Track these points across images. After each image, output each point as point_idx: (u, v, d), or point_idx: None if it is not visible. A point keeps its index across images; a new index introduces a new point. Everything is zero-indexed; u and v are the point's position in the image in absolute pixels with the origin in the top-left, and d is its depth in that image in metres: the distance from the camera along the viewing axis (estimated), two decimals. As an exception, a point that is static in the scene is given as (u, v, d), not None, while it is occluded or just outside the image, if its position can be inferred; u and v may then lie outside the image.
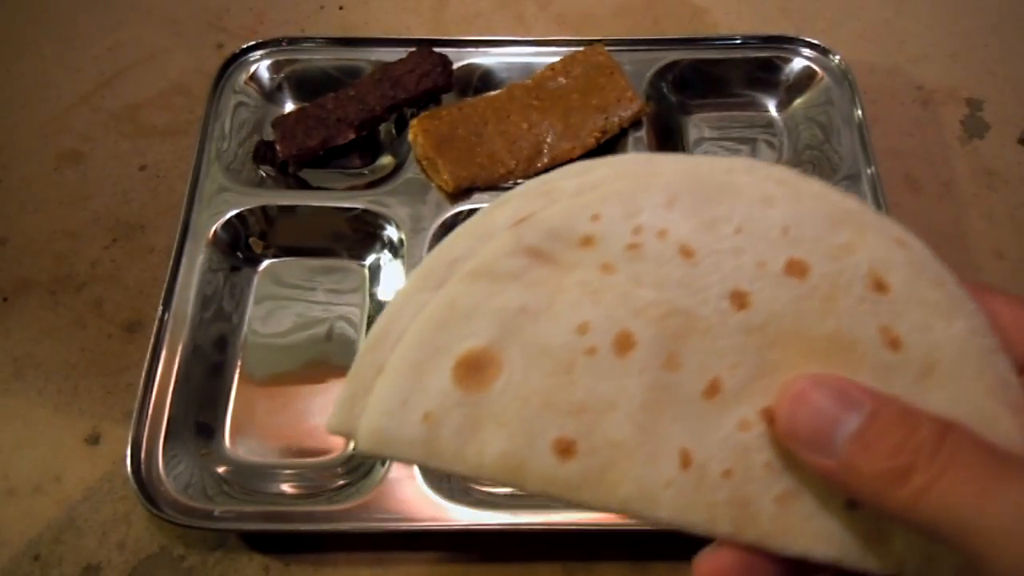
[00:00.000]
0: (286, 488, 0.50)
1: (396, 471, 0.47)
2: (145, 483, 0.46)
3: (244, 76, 0.64)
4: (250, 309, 0.57)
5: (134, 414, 0.48)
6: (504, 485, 0.21)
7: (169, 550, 0.49)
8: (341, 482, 0.49)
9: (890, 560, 0.20)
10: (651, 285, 0.20)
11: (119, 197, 0.63)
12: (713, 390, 0.20)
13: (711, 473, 0.20)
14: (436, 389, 0.20)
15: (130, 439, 0.47)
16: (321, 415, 0.52)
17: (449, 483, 0.48)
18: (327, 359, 0.55)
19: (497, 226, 0.21)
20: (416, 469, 0.47)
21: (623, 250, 0.20)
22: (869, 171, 0.58)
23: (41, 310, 0.58)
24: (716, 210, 0.21)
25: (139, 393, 0.49)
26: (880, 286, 0.20)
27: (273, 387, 0.54)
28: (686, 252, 0.20)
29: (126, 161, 0.65)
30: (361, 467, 0.50)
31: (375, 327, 0.21)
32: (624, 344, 0.20)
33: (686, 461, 0.20)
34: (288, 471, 0.51)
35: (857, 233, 0.21)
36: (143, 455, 0.47)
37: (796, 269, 0.20)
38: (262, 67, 0.65)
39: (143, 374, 0.49)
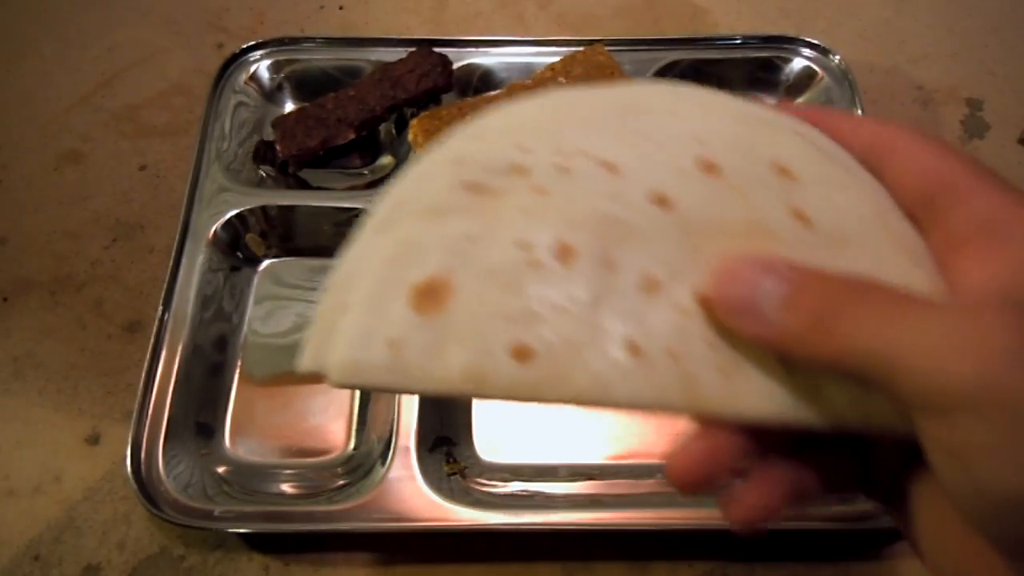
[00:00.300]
0: (286, 488, 0.50)
1: (396, 471, 0.47)
2: (145, 483, 0.46)
3: (244, 76, 0.64)
4: (250, 309, 0.57)
5: (134, 414, 0.48)
6: (472, 396, 0.22)
7: (169, 550, 0.49)
8: (341, 482, 0.49)
9: (830, 413, 0.22)
10: (582, 200, 0.22)
11: (119, 197, 0.63)
12: (650, 284, 0.22)
13: (658, 356, 0.21)
14: (397, 317, 0.21)
15: (130, 439, 0.47)
16: (321, 415, 0.52)
17: (449, 483, 0.48)
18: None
19: (436, 169, 0.23)
20: (416, 469, 0.47)
21: (552, 173, 0.22)
22: (869, 171, 0.58)
23: (41, 310, 0.58)
24: (633, 127, 0.23)
25: (139, 393, 0.49)
26: (784, 172, 0.23)
27: (273, 387, 0.54)
28: (610, 167, 0.22)
29: (126, 161, 0.65)
30: (361, 467, 0.50)
31: (335, 273, 0.22)
32: (565, 254, 0.22)
33: (634, 349, 0.21)
34: (288, 471, 0.51)
35: (759, 130, 0.23)
36: (143, 455, 0.47)
37: (709, 168, 0.23)
38: (262, 67, 0.65)
39: (143, 374, 0.49)
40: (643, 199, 0.22)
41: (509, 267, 0.21)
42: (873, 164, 0.24)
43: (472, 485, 0.49)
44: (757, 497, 0.23)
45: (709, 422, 0.23)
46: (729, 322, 0.21)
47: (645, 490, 0.49)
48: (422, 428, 0.48)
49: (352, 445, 0.51)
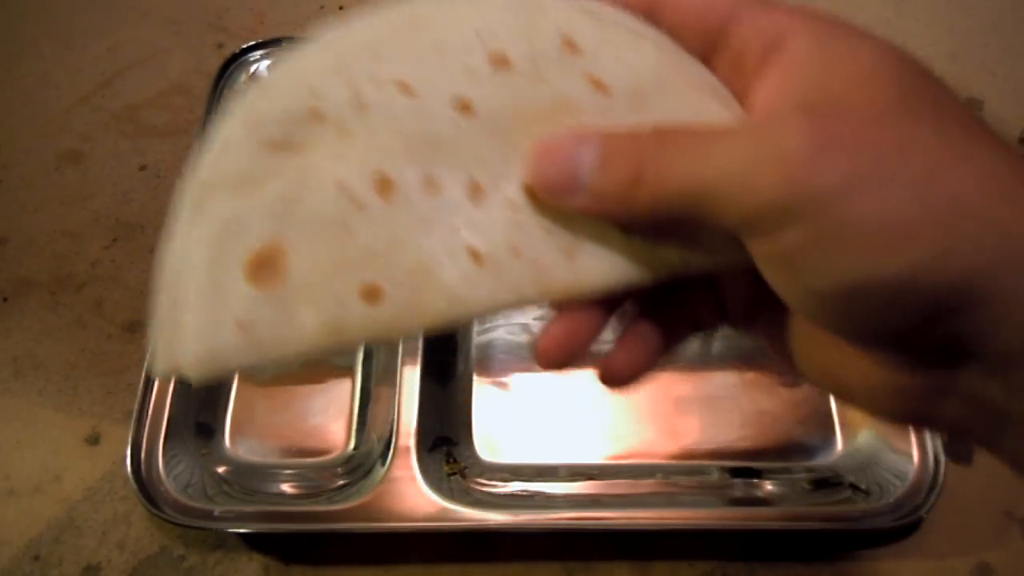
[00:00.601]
0: (286, 488, 0.50)
1: (396, 471, 0.47)
2: (145, 483, 0.46)
3: (244, 76, 0.64)
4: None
5: (134, 414, 0.48)
6: (335, 350, 0.22)
7: (169, 550, 0.49)
8: (341, 482, 0.49)
9: (667, 265, 0.23)
10: (386, 128, 0.22)
11: (119, 197, 0.63)
12: (475, 190, 0.22)
13: (501, 256, 0.22)
14: (237, 297, 0.21)
15: (130, 439, 0.47)
16: (321, 415, 0.52)
17: (449, 483, 0.48)
18: (327, 359, 0.55)
19: (233, 135, 0.22)
20: (416, 469, 0.47)
21: (349, 111, 0.22)
22: (869, 171, 0.58)
23: (41, 310, 0.58)
24: (416, 45, 0.23)
25: (139, 393, 0.49)
26: (573, 46, 0.23)
27: (273, 387, 0.54)
28: (403, 87, 0.22)
29: (126, 161, 0.65)
30: (361, 467, 0.50)
31: (162, 270, 0.22)
32: (384, 187, 0.22)
33: (477, 256, 0.22)
34: (288, 471, 0.51)
35: (540, 13, 0.23)
36: (143, 455, 0.47)
37: (500, 61, 0.22)
38: (262, 67, 0.65)
39: (143, 374, 0.49)
40: (446, 110, 0.22)
41: (334, 215, 0.21)
42: (654, 18, 0.24)
43: (472, 485, 0.49)
44: (626, 356, 0.25)
45: (563, 304, 0.23)
46: (554, 201, 0.22)
47: (645, 490, 0.49)
48: (422, 428, 0.48)
49: (352, 445, 0.52)
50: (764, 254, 0.19)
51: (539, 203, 0.22)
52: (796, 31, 0.20)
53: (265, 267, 0.21)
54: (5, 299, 0.58)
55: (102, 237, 0.61)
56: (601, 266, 0.22)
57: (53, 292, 0.58)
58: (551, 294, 0.22)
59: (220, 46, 0.72)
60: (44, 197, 0.63)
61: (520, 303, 0.22)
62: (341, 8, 0.74)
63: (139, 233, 0.61)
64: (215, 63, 0.64)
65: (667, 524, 0.46)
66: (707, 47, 0.23)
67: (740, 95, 0.23)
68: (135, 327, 0.56)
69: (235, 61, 0.65)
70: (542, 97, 0.22)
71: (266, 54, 0.65)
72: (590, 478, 0.50)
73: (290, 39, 0.66)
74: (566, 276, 0.22)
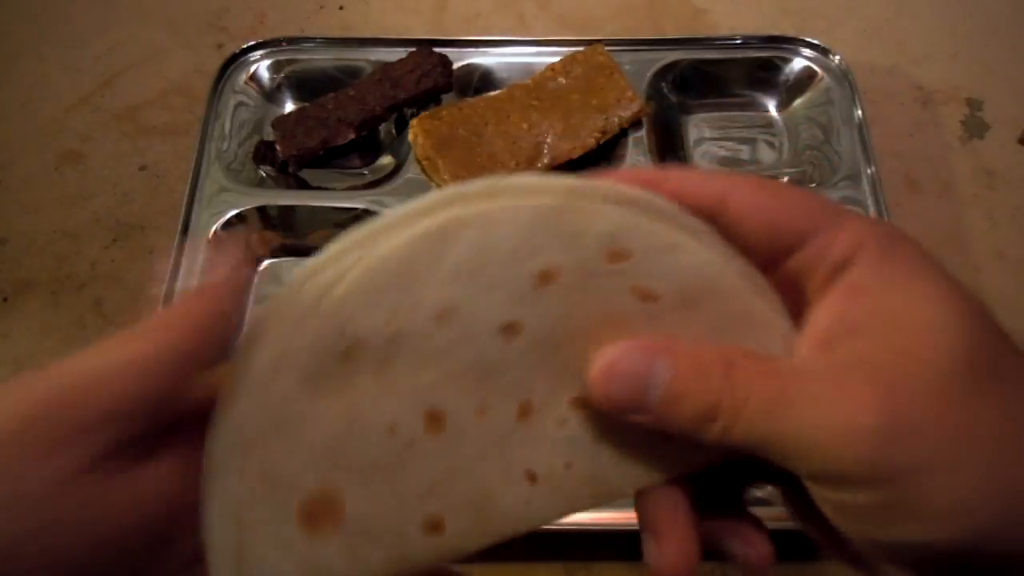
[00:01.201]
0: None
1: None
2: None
3: (244, 76, 0.64)
4: (250, 310, 0.57)
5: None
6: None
7: (169, 550, 0.49)
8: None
9: (714, 451, 0.22)
10: (430, 360, 0.21)
11: (119, 197, 0.63)
12: (525, 412, 0.22)
13: (556, 473, 0.23)
14: (299, 547, 0.21)
15: (130, 439, 0.47)
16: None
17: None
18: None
19: (271, 380, 0.21)
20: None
21: (388, 346, 0.21)
22: (869, 171, 0.58)
23: (41, 310, 0.58)
24: (451, 264, 0.21)
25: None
26: (617, 255, 0.22)
27: None
28: (441, 315, 0.21)
29: (126, 161, 0.65)
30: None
31: (212, 531, 0.21)
32: (436, 421, 0.22)
33: (532, 478, 0.23)
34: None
35: (580, 217, 0.21)
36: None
37: (544, 278, 0.21)
38: (262, 67, 0.65)
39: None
40: (492, 336, 0.21)
41: (387, 455, 0.21)
42: (715, 215, 0.23)
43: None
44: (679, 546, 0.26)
45: (648, 515, 0.24)
46: (616, 415, 0.22)
47: (645, 490, 0.49)
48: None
49: None
50: (827, 498, 0.20)
51: (585, 415, 0.22)
52: (864, 256, 0.21)
53: (321, 515, 0.21)
54: (5, 299, 0.58)
55: (102, 237, 0.61)
56: (648, 466, 0.23)
57: (53, 292, 0.58)
58: (604, 498, 0.23)
59: (220, 46, 0.72)
60: (44, 197, 0.63)
61: (573, 513, 0.23)
62: (341, 8, 0.74)
63: (139, 233, 0.61)
64: (215, 63, 0.64)
65: (667, 524, 0.46)
66: (772, 258, 0.23)
67: (797, 307, 0.23)
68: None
69: (235, 61, 0.65)
70: (589, 313, 0.22)
71: (266, 54, 0.65)
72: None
73: (290, 39, 0.66)
74: (616, 479, 0.23)
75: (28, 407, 0.19)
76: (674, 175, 0.23)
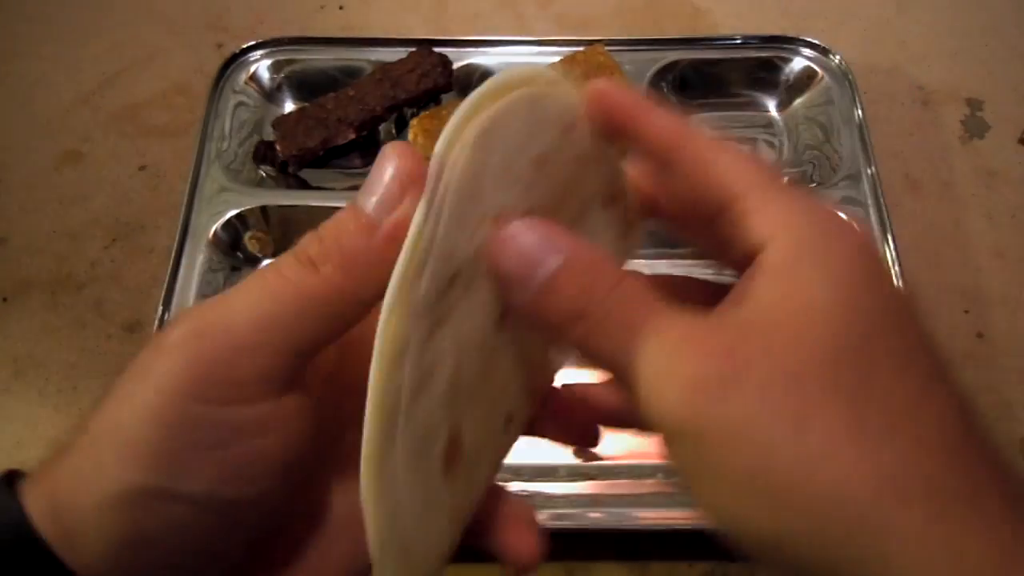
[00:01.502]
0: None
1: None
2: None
3: (244, 76, 0.64)
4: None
5: (134, 414, 0.48)
6: None
7: (169, 550, 0.49)
8: (341, 482, 0.49)
9: None
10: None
11: (119, 197, 0.63)
12: None
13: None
14: (446, 503, 0.22)
15: (130, 439, 0.47)
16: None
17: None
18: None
19: (402, 329, 0.20)
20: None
21: (472, 262, 0.21)
22: (869, 171, 0.58)
23: (41, 310, 0.58)
24: (491, 170, 0.21)
25: (139, 393, 0.49)
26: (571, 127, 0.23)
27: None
28: (494, 221, 0.21)
29: (126, 161, 0.65)
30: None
31: (378, 508, 0.20)
32: (502, 323, 0.23)
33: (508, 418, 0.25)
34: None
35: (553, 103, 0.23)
36: (143, 455, 0.47)
37: (540, 162, 0.22)
38: (262, 67, 0.65)
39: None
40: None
41: (481, 372, 0.22)
42: (669, 158, 0.23)
43: (472, 485, 0.49)
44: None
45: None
46: (499, 282, 0.21)
47: (645, 490, 0.49)
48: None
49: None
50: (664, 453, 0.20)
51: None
52: (782, 237, 0.20)
53: (451, 457, 0.22)
54: (5, 299, 0.58)
55: (102, 237, 0.61)
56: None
57: (53, 292, 0.58)
58: None
59: (220, 46, 0.72)
60: (44, 197, 0.63)
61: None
62: (341, 8, 0.74)
63: (139, 233, 0.61)
64: (215, 63, 0.64)
65: (667, 524, 0.46)
66: (708, 215, 0.22)
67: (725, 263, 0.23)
68: (135, 327, 0.56)
69: (235, 61, 0.65)
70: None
71: (266, 54, 0.65)
72: (590, 478, 0.50)
73: (290, 39, 0.66)
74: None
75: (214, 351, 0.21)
76: (645, 111, 0.23)
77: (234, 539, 0.22)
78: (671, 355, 0.19)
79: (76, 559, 0.20)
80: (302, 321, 0.21)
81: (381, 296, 0.19)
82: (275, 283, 0.21)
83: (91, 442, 0.20)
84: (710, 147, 0.22)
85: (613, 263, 0.21)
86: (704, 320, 0.20)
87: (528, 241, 0.21)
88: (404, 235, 0.19)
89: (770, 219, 0.20)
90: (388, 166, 0.21)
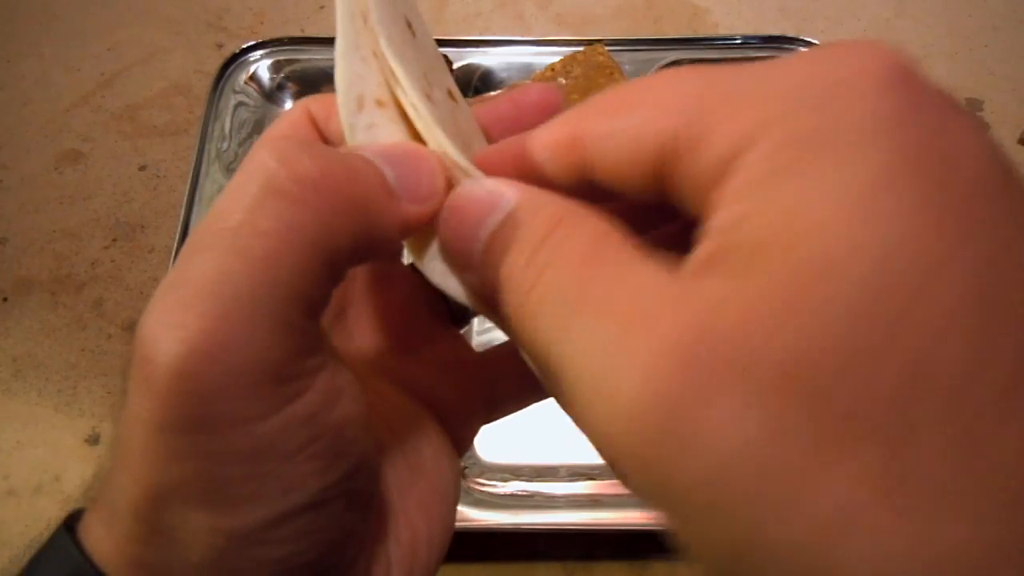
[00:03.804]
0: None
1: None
2: (145, 483, 0.46)
3: (244, 76, 0.64)
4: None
5: (134, 414, 0.48)
6: None
7: (169, 550, 0.49)
8: (341, 482, 0.49)
9: None
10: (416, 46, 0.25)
11: (119, 197, 0.63)
12: (453, 97, 0.25)
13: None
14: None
15: (130, 439, 0.47)
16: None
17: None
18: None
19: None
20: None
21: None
22: (869, 171, 0.58)
23: (41, 310, 0.58)
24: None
25: (139, 393, 0.49)
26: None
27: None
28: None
29: (126, 161, 0.65)
30: (361, 467, 0.50)
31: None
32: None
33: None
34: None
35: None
36: (143, 455, 0.47)
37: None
38: (262, 67, 0.65)
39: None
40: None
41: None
42: (584, 173, 0.18)
43: (472, 485, 0.49)
44: None
45: None
46: (440, 237, 0.19)
47: (645, 490, 0.49)
48: (422, 428, 0.48)
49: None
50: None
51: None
52: (761, 144, 0.13)
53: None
54: (5, 299, 0.58)
55: (102, 237, 0.61)
56: None
57: (53, 292, 0.58)
58: None
59: (220, 46, 0.72)
60: (44, 197, 0.63)
61: None
62: (341, 8, 0.74)
63: (139, 233, 0.61)
64: (215, 63, 0.64)
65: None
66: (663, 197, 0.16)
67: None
68: (135, 327, 0.56)
69: (235, 61, 0.65)
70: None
71: (266, 54, 0.65)
72: (590, 478, 0.50)
73: (290, 39, 0.66)
74: None
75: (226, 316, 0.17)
76: (531, 151, 0.18)
77: (359, 508, 0.19)
78: (620, 342, 0.14)
79: None
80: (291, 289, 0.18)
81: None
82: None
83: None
84: (603, 113, 0.17)
85: (558, 196, 0.17)
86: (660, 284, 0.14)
87: (471, 209, 0.18)
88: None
89: (740, 123, 0.13)
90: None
